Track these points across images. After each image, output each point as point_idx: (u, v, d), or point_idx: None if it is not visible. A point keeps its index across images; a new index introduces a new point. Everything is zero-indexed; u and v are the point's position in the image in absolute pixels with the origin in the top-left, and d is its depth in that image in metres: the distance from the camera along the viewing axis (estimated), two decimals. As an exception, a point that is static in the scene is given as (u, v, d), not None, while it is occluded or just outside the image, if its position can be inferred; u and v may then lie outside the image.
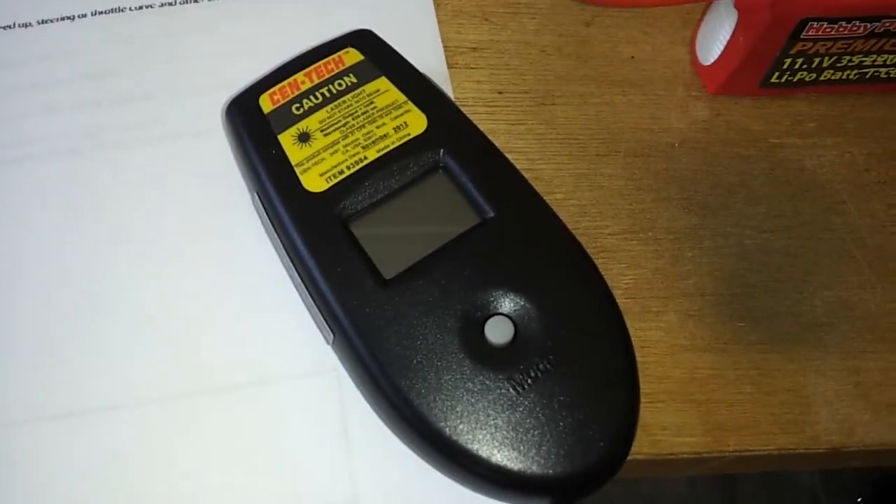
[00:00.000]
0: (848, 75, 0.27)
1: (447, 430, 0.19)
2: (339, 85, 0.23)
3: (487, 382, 0.19)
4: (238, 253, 0.24)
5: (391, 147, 0.22)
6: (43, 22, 0.27)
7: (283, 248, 0.22)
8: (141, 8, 0.27)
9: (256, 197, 0.22)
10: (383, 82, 0.23)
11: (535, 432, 0.19)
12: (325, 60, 0.24)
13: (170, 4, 0.27)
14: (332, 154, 0.22)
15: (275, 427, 0.22)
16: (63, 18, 0.27)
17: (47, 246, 0.24)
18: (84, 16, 0.27)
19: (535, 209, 0.22)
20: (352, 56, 0.24)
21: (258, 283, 0.24)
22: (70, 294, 0.24)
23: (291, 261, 0.21)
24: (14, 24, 0.27)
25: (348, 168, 0.22)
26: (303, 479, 0.21)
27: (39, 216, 0.25)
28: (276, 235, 0.22)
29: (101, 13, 0.27)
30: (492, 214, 0.21)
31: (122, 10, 0.27)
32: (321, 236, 0.21)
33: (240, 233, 0.24)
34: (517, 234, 0.21)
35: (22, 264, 0.24)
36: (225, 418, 0.22)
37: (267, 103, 0.23)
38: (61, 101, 0.26)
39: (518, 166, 0.23)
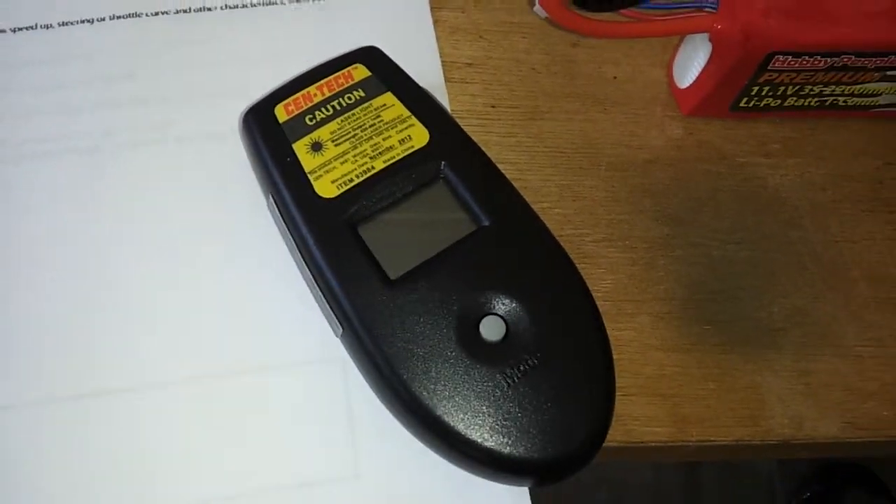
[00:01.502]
0: (809, 102, 0.29)
1: (444, 416, 0.21)
2: (349, 98, 0.25)
3: (481, 374, 0.21)
4: (249, 249, 0.26)
5: (396, 158, 0.24)
6: (64, 24, 0.29)
7: (296, 249, 0.23)
8: (157, 14, 0.29)
9: (272, 200, 0.24)
10: (389, 97, 0.25)
11: (523, 420, 0.21)
12: (335, 75, 0.26)
13: (184, 11, 0.29)
14: (342, 163, 0.24)
15: (284, 410, 0.24)
16: (83, 21, 0.29)
17: (66, 237, 0.26)
18: (103, 19, 0.29)
19: (525, 218, 0.24)
20: (360, 72, 0.26)
21: (268, 278, 0.26)
22: (87, 283, 0.25)
23: (304, 260, 0.23)
24: (36, 25, 0.28)
25: (357, 177, 0.24)
26: (309, 459, 0.24)
27: (59, 209, 0.26)
28: (290, 236, 0.24)
29: (119, 17, 0.29)
30: (486, 223, 0.23)
31: (139, 16, 0.29)
32: (332, 239, 0.23)
33: (250, 230, 0.26)
34: (509, 241, 0.23)
35: (42, 254, 0.26)
36: (239, 400, 0.24)
37: (282, 113, 0.25)
38: (82, 100, 0.28)
39: (509, 176, 0.25)
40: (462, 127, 0.26)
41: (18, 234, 0.26)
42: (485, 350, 0.22)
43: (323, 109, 0.25)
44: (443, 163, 0.24)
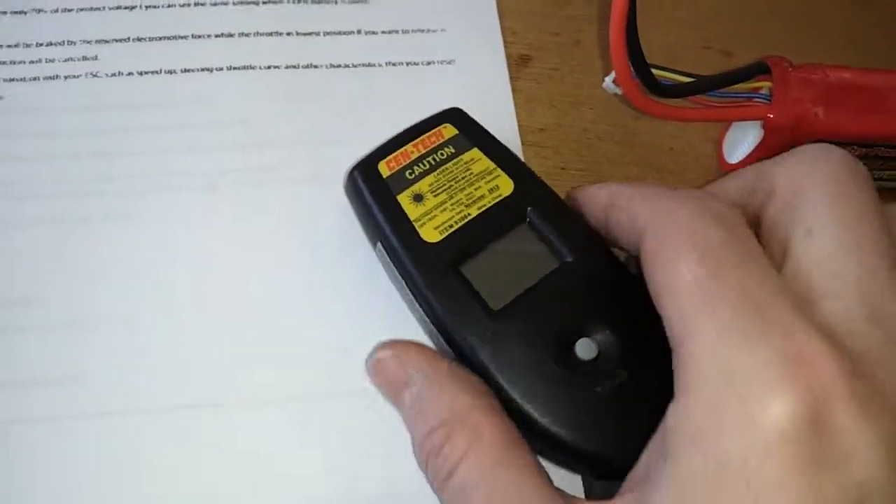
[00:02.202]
0: (841, 181, 0.33)
1: (540, 417, 0.24)
2: (441, 154, 0.29)
3: (578, 386, 0.24)
4: (348, 285, 0.29)
5: (487, 206, 0.27)
6: (185, 71, 0.32)
7: (406, 289, 0.27)
8: (269, 67, 0.32)
9: (380, 247, 0.28)
10: (476, 153, 0.29)
11: (615, 423, 0.24)
12: (427, 134, 0.29)
13: (293, 67, 0.32)
14: (441, 211, 0.27)
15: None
16: (202, 69, 0.32)
17: (181, 265, 0.29)
18: (220, 69, 0.32)
19: (601, 254, 0.27)
20: (448, 130, 0.29)
21: (368, 312, 0.29)
22: (199, 309, 0.29)
23: (415, 298, 0.27)
24: (160, 70, 0.32)
25: (456, 223, 0.27)
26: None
27: (175, 238, 0.30)
28: (399, 278, 0.27)
29: (234, 68, 0.32)
30: (569, 259, 0.26)
31: (253, 68, 0.32)
32: (439, 278, 0.26)
33: (349, 266, 0.30)
34: (590, 274, 0.26)
35: (160, 280, 0.29)
36: (341, 420, 0.27)
37: (385, 169, 0.28)
38: (200, 141, 0.31)
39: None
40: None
41: (141, 258, 0.29)
42: (580, 367, 0.25)
43: (420, 164, 0.28)
44: (528, 208, 0.27)
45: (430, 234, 0.27)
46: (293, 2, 0.34)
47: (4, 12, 0.33)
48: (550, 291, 0.26)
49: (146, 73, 0.32)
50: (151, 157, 0.31)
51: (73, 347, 0.28)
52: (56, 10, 0.33)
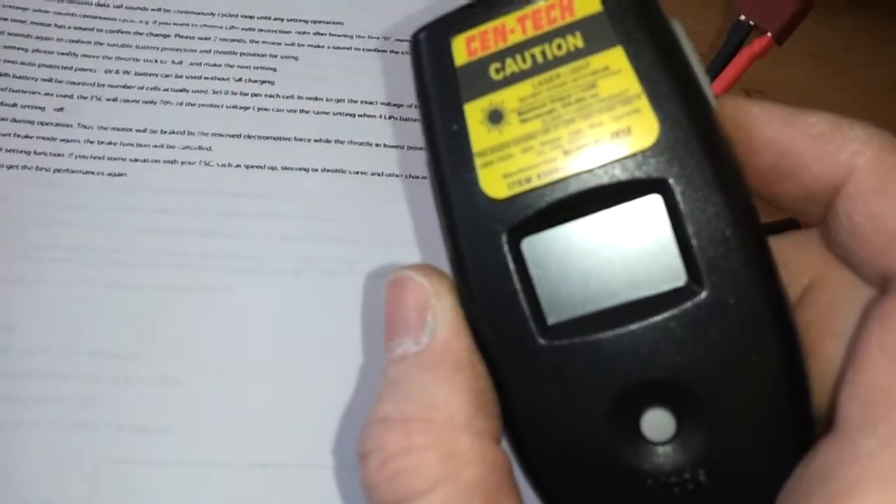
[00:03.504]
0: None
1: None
2: (559, 47, 0.18)
3: (626, 475, 0.17)
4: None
5: (600, 163, 0.17)
6: (285, 168, 0.37)
7: (445, 239, 0.19)
8: (357, 173, 0.37)
9: (428, 162, 0.19)
10: (618, 56, 0.17)
11: None
12: (549, 2, 0.18)
13: (377, 175, 0.37)
14: (524, 151, 0.17)
15: None
16: (300, 169, 0.37)
17: (264, 340, 0.34)
18: (316, 170, 0.37)
19: (766, 288, 0.17)
20: (587, 3, 0.18)
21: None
22: (274, 377, 0.33)
23: (451, 263, 0.19)
24: (264, 166, 0.37)
25: (539, 177, 0.17)
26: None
27: (259, 315, 0.34)
28: (440, 218, 0.19)
29: (327, 171, 0.37)
30: (709, 280, 0.17)
31: (343, 172, 0.37)
32: (485, 254, 0.17)
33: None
34: (729, 315, 0.16)
35: (246, 347, 0.33)
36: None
37: (461, 51, 0.18)
38: (292, 231, 0.36)
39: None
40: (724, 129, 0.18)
41: (232, 328, 0.33)
42: (639, 448, 0.17)
43: (519, 58, 0.18)
44: (670, 179, 0.17)
45: (494, 183, 0.17)
46: (385, 118, 0.38)
47: (137, 101, 0.38)
48: (651, 323, 0.17)
49: (252, 166, 0.37)
50: (248, 241, 0.35)
51: (168, 400, 0.32)
52: (181, 104, 0.38)
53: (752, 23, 0.39)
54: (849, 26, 0.44)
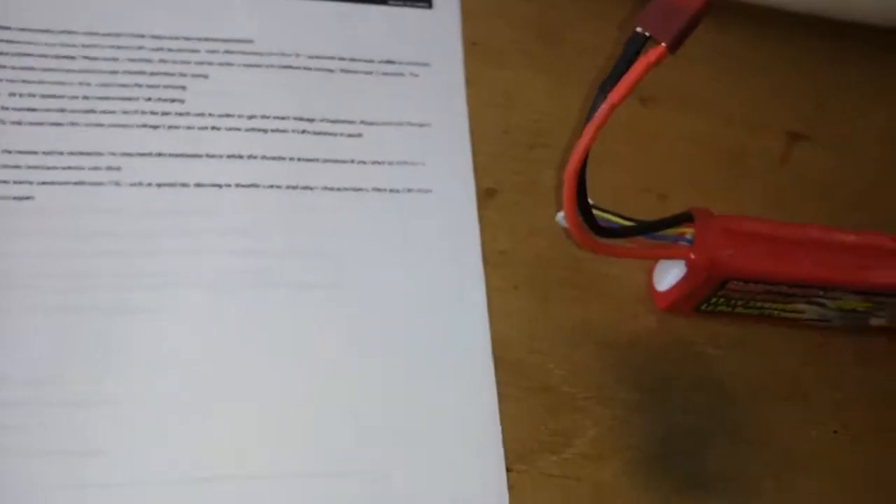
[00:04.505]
0: (752, 312, 0.38)
1: None
2: None
3: None
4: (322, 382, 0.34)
5: None
6: (198, 185, 0.37)
7: None
8: (271, 187, 0.37)
9: None
10: None
11: None
12: None
13: (292, 188, 0.38)
14: None
15: None
16: (213, 185, 0.37)
17: (188, 356, 0.33)
18: (229, 185, 0.37)
19: None
20: None
21: (346, 401, 0.33)
22: (201, 391, 0.33)
23: None
24: (176, 183, 0.37)
25: None
26: None
27: (181, 329, 0.34)
28: None
29: (241, 186, 0.37)
30: None
31: (257, 186, 0.37)
32: None
33: (322, 366, 0.34)
34: None
35: (166, 365, 0.33)
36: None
37: None
38: (207, 247, 0.36)
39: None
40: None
41: (149, 346, 0.33)
42: None
43: None
44: None
45: None
46: (297, 132, 0.39)
47: (42, 123, 0.37)
48: None
49: (163, 184, 0.37)
50: (163, 258, 0.35)
51: (89, 423, 0.31)
52: (89, 125, 0.38)
53: (647, 34, 0.41)
54: (738, 37, 0.47)
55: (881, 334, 0.41)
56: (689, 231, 0.36)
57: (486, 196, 0.40)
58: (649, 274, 0.40)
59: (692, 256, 0.35)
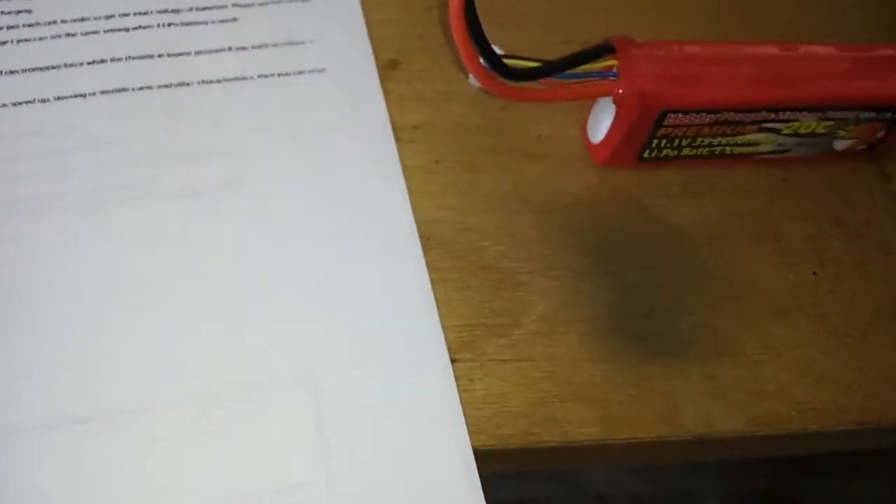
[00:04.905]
0: (702, 152, 0.35)
1: None
2: None
3: None
4: (217, 292, 0.30)
5: None
6: (59, 98, 0.32)
7: None
8: (141, 89, 0.33)
9: None
10: None
11: None
12: None
13: (165, 87, 0.33)
14: None
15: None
16: (76, 96, 0.33)
17: (61, 282, 0.29)
18: (94, 94, 0.33)
19: None
20: None
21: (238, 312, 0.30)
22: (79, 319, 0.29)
23: None
24: (34, 100, 0.32)
25: None
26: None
27: (55, 256, 0.30)
28: None
29: (105, 93, 0.33)
30: None
31: (125, 90, 0.33)
32: None
33: (220, 276, 0.30)
34: None
35: (38, 296, 0.29)
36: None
37: None
38: (77, 164, 0.31)
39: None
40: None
41: (21, 277, 0.29)
42: None
43: None
44: None
45: None
46: (164, 26, 0.34)
47: None
48: None
49: (19, 103, 0.32)
50: (28, 182, 0.31)
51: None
52: (-72, 49, 0.33)
53: None
54: None
55: (848, 159, 0.37)
56: (614, 64, 0.32)
57: (388, 68, 0.36)
58: (583, 127, 0.35)
59: (619, 92, 0.31)
